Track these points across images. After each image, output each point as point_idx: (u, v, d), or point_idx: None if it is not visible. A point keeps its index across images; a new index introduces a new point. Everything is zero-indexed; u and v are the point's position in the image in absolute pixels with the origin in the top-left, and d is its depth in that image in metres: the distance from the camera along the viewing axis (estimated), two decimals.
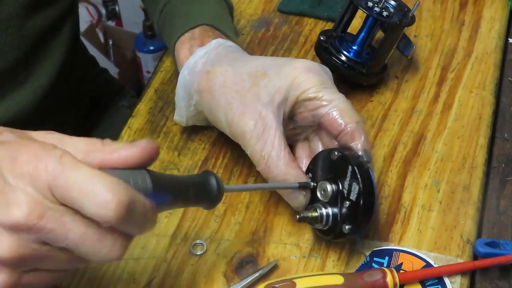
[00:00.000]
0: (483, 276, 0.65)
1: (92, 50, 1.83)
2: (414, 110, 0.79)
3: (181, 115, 0.73)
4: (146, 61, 1.92)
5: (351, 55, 0.79)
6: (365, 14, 0.77)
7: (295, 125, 0.68)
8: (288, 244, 0.67)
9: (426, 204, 0.70)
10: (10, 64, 0.79)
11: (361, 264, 0.65)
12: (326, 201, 0.63)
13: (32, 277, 0.48)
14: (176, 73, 0.84)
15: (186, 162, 0.75)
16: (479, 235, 0.68)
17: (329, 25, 0.90)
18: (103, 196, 0.45)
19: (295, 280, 0.60)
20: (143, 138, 0.76)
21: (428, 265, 0.64)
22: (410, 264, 0.64)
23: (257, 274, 0.63)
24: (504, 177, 0.73)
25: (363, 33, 0.79)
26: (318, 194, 0.64)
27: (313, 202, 0.64)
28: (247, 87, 0.66)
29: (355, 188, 0.61)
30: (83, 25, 1.96)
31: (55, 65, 0.84)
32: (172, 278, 0.65)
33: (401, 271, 0.64)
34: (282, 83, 0.65)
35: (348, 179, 0.61)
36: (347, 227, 0.61)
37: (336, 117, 0.64)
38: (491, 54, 0.85)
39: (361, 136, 0.64)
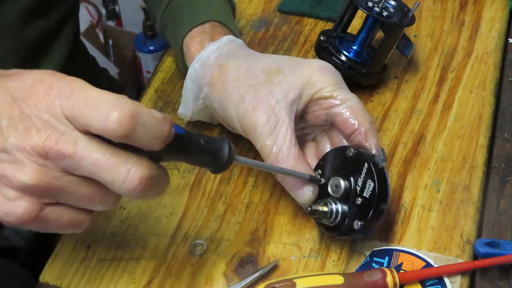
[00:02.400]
0: (483, 276, 0.65)
1: (92, 50, 1.83)
2: (414, 110, 0.79)
3: (187, 108, 0.73)
4: (146, 61, 1.92)
5: (351, 55, 0.79)
6: (365, 14, 0.77)
7: (306, 124, 0.68)
8: (288, 244, 0.67)
9: (426, 204, 0.70)
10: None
11: (361, 264, 0.65)
12: (337, 197, 0.63)
13: (54, 211, 0.49)
14: (176, 73, 0.84)
15: None
16: (479, 235, 0.68)
17: (329, 25, 0.90)
18: (106, 109, 0.46)
19: (295, 280, 0.60)
20: None
21: (428, 265, 0.64)
22: (410, 264, 0.64)
23: (257, 274, 0.64)
24: (504, 177, 0.73)
25: (363, 33, 0.79)
26: (329, 190, 0.64)
27: (320, 198, 0.64)
28: (260, 82, 0.66)
29: (370, 185, 0.61)
30: (83, 25, 1.96)
31: (55, 67, 0.84)
32: (172, 278, 0.65)
33: (401, 271, 0.64)
34: (297, 81, 0.66)
35: (362, 176, 0.62)
36: (358, 223, 0.61)
37: (350, 117, 0.65)
38: (491, 54, 0.85)
39: (375, 137, 0.65)
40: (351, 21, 0.81)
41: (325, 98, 0.66)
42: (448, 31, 0.88)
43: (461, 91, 0.81)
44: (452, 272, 0.64)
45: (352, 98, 0.66)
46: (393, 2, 0.78)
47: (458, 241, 0.67)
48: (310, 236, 0.68)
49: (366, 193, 0.61)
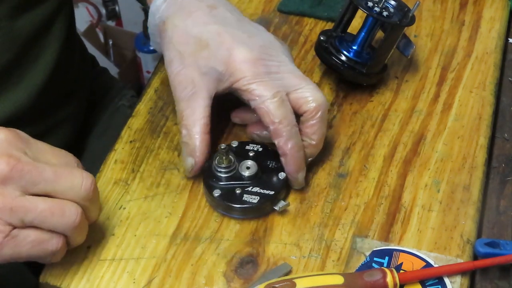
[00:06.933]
0: (483, 276, 0.65)
1: (92, 50, 1.83)
2: (414, 110, 0.79)
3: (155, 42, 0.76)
4: (146, 61, 1.92)
5: (351, 55, 0.79)
6: (365, 14, 0.77)
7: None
8: (288, 244, 0.67)
9: (426, 204, 0.70)
10: (2, 65, 0.78)
11: (361, 264, 0.65)
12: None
13: (21, 232, 0.56)
14: None
15: None
16: (479, 235, 0.68)
17: (329, 25, 0.90)
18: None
19: (295, 280, 0.60)
20: (143, 138, 0.77)
21: (428, 265, 0.64)
22: (410, 264, 0.64)
23: (269, 276, 0.63)
24: (504, 177, 0.73)
25: (363, 33, 0.79)
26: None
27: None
28: (189, 51, 0.69)
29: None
30: (83, 25, 1.96)
31: (49, 63, 0.84)
32: (172, 278, 0.65)
33: (401, 271, 0.64)
34: (218, 63, 0.68)
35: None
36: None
37: (262, 114, 0.67)
38: (491, 54, 0.85)
39: (281, 136, 0.67)
40: (351, 21, 0.81)
41: (242, 90, 0.68)
42: (448, 31, 0.88)
43: (461, 91, 0.81)
44: (452, 272, 0.64)
45: (266, 95, 0.67)
46: (393, 2, 0.78)
47: (458, 241, 0.67)
48: (310, 236, 0.68)
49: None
